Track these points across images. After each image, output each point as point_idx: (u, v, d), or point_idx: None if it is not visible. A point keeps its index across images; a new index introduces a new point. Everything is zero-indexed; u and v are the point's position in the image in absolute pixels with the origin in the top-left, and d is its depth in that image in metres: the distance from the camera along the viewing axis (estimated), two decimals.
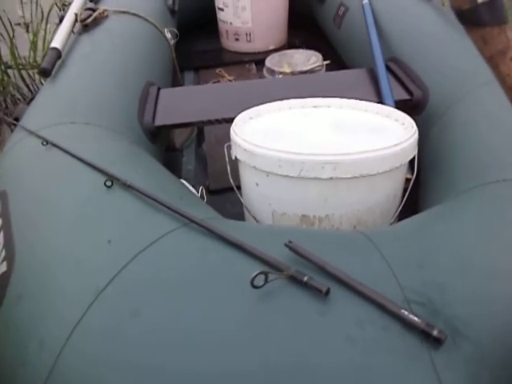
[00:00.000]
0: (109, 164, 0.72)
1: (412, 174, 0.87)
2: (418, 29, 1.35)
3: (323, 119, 0.92)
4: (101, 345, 0.45)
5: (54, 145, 0.79)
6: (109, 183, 0.64)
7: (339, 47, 1.82)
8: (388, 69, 1.29)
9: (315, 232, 0.62)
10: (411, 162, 0.85)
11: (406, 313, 0.42)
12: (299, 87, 1.31)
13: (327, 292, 0.43)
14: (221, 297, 0.46)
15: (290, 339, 0.42)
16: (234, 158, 0.85)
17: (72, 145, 0.79)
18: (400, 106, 1.04)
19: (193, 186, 1.31)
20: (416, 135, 0.81)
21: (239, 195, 0.90)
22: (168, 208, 0.57)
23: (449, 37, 1.20)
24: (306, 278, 0.44)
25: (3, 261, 0.62)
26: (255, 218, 0.85)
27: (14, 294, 0.55)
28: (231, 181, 0.89)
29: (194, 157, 1.50)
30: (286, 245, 0.48)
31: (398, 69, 1.29)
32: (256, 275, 0.42)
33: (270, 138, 0.84)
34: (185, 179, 1.43)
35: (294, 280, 0.45)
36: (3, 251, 0.64)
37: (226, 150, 0.89)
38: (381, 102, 1.12)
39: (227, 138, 0.98)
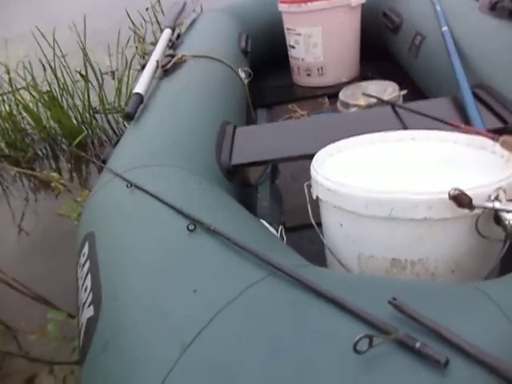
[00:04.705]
0: (190, 206, 0.71)
1: None
2: (507, 51, 1.25)
3: (409, 153, 0.86)
4: None
5: (138, 187, 0.81)
6: (191, 227, 0.63)
7: (417, 77, 1.75)
8: (475, 96, 1.20)
9: (421, 285, 0.55)
10: None
11: None
12: (378, 120, 1.26)
13: (446, 363, 0.37)
14: (318, 360, 0.41)
15: None
16: (314, 197, 0.82)
17: (154, 187, 0.81)
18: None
19: (269, 223, 1.30)
20: None
21: (321, 235, 0.85)
22: (255, 255, 0.54)
23: None
24: (418, 345, 0.38)
25: (90, 304, 0.63)
26: (340, 261, 0.80)
27: (101, 342, 0.55)
28: (312, 221, 0.85)
29: (268, 193, 1.48)
30: (390, 302, 0.42)
31: (486, 95, 1.20)
32: (360, 339, 0.37)
33: (352, 175, 0.80)
34: (260, 216, 1.42)
35: (403, 345, 0.39)
36: (90, 294, 0.65)
37: (305, 189, 0.86)
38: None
39: (303, 174, 0.95)
